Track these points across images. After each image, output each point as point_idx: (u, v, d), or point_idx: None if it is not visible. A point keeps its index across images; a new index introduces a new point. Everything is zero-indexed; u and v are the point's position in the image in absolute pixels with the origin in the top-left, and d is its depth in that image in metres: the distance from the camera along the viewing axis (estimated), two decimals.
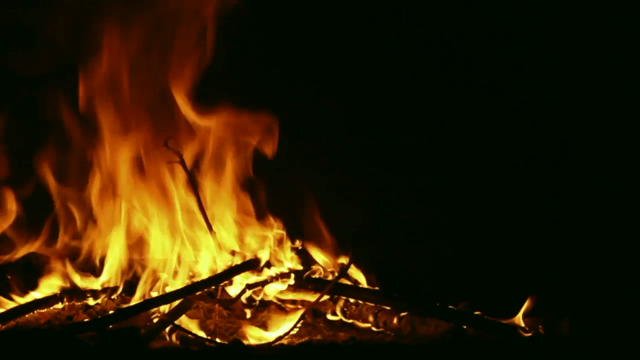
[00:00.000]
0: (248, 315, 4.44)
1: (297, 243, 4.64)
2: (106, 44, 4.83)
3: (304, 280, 4.52)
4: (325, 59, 5.32)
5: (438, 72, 5.37)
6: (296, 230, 4.70)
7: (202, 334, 4.15)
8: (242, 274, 4.45)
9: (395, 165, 5.42)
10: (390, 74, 5.38)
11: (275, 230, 4.66)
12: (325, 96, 5.31)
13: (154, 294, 4.43)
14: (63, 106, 4.92)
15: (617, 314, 4.29)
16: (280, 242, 4.63)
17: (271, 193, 4.85)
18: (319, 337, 4.30)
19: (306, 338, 4.26)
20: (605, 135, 5.26)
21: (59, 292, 4.48)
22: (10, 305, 4.41)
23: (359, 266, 4.61)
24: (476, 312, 4.31)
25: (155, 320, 4.22)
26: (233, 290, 4.44)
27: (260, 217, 4.73)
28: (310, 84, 5.31)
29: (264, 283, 4.45)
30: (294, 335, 4.29)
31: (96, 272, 4.65)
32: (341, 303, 4.48)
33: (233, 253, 4.55)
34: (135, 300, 4.42)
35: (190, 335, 4.10)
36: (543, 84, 5.30)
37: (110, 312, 4.29)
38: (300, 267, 4.58)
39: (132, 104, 4.85)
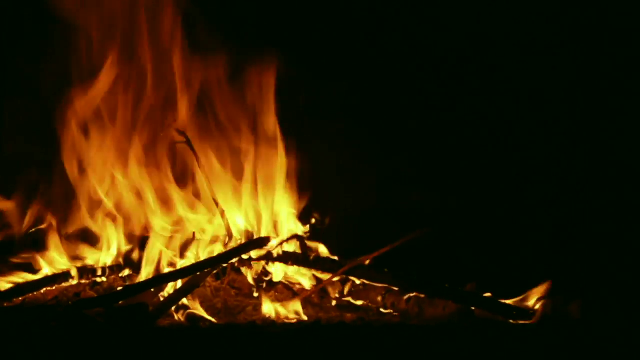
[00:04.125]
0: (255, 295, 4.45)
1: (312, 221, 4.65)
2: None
3: (312, 260, 4.51)
4: (332, 44, 5.31)
5: (444, 60, 5.36)
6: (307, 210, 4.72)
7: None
8: None
9: (402, 149, 5.41)
10: (396, 60, 5.37)
11: (285, 209, 4.67)
12: (331, 82, 5.30)
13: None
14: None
15: (628, 296, 4.28)
16: (291, 220, 4.65)
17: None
18: (326, 317, 4.30)
19: (314, 318, 4.25)
20: (611, 122, 5.26)
21: (69, 269, 4.48)
22: (19, 281, 4.41)
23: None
24: (484, 294, 4.30)
25: (163, 298, 4.22)
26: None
27: (270, 196, 4.73)
28: (316, 68, 5.29)
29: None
30: None
31: (104, 249, 4.66)
32: (349, 284, 4.47)
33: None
34: (143, 277, 4.42)
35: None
36: (542, 76, 5.30)
37: (119, 288, 4.28)
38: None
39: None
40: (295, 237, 4.53)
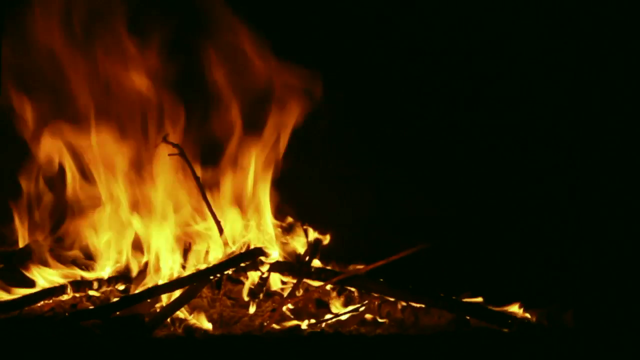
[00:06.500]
0: (252, 309, 4.45)
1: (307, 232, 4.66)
2: None
3: (308, 270, 4.51)
4: (329, 50, 5.32)
5: (442, 65, 5.36)
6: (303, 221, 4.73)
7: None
8: None
9: (399, 158, 5.42)
10: (394, 66, 5.37)
11: (282, 220, 4.69)
12: (328, 88, 5.30)
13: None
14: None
15: (621, 305, 4.29)
16: (286, 232, 4.65)
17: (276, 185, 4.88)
18: (322, 327, 4.30)
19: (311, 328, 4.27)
20: (609, 125, 5.27)
21: (66, 282, 4.47)
22: (16, 294, 4.41)
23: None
24: (479, 302, 4.32)
25: (159, 309, 4.23)
26: None
27: (266, 208, 4.74)
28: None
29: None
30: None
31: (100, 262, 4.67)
32: (344, 294, 4.48)
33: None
34: (139, 289, 4.43)
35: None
36: (541, 81, 5.32)
37: (115, 300, 4.29)
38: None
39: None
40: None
